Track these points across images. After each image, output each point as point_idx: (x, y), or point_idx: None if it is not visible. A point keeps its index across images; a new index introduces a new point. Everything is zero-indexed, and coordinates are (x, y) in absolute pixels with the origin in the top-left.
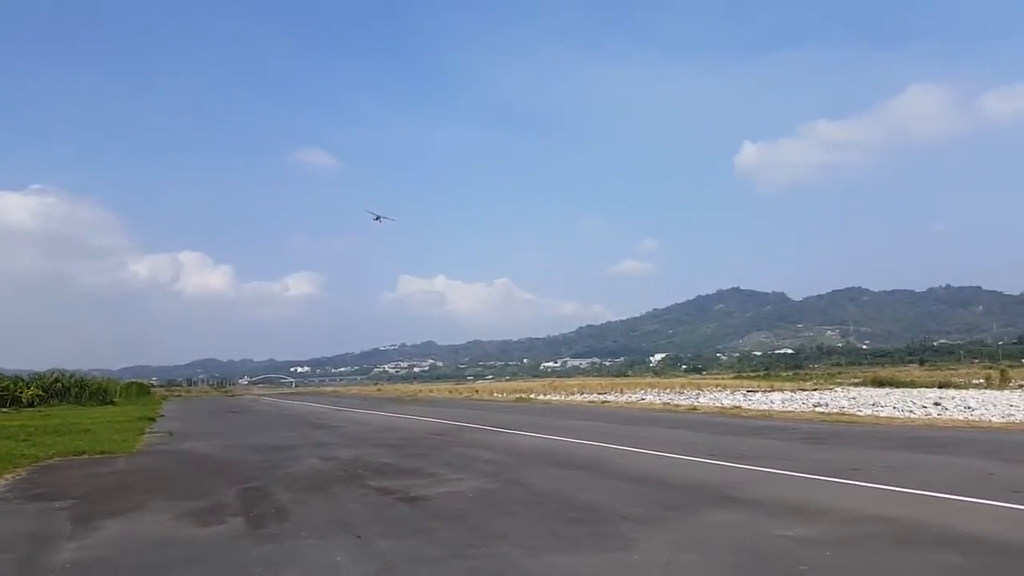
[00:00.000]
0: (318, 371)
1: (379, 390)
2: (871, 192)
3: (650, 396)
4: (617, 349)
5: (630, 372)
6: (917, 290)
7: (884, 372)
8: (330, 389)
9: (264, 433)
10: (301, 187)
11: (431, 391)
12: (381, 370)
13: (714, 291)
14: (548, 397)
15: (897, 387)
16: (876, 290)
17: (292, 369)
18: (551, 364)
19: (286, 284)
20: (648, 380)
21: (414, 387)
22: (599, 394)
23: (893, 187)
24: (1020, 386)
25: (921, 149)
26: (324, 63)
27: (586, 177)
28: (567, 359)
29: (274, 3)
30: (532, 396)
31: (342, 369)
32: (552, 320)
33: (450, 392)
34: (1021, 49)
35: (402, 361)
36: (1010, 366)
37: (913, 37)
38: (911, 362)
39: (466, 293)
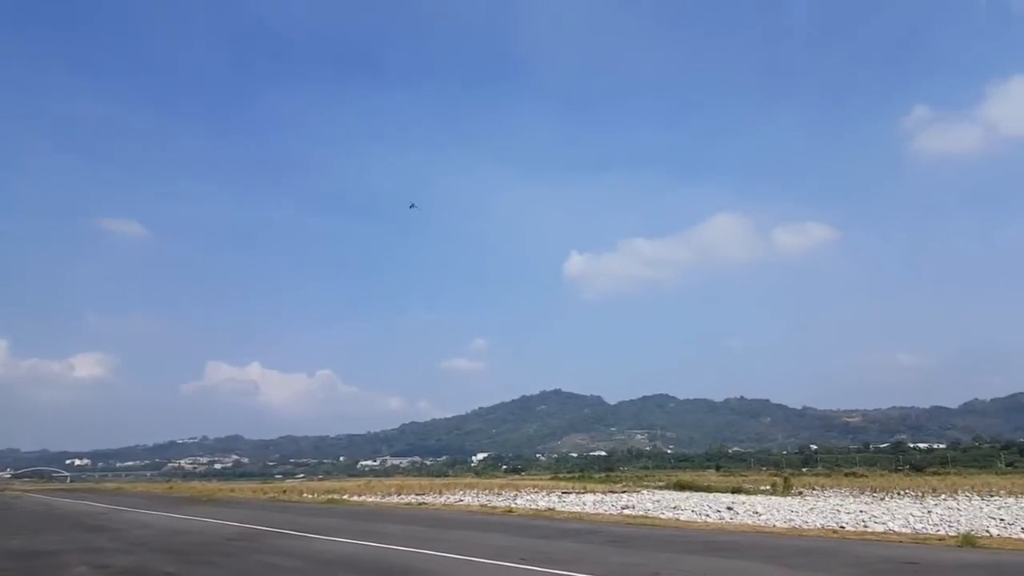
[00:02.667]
0: (100, 464)
1: (171, 488)
2: (680, 306)
3: (468, 497)
4: (440, 447)
5: (451, 472)
6: (715, 400)
7: (686, 476)
8: (112, 486)
9: (24, 536)
10: (102, 258)
11: (232, 490)
12: (176, 465)
13: (538, 392)
14: (363, 498)
15: (696, 491)
16: (681, 398)
17: (69, 462)
18: (370, 463)
19: (72, 364)
20: (468, 480)
21: (213, 485)
22: (417, 495)
23: (698, 303)
24: (800, 493)
25: (722, 271)
26: (152, 130)
27: (422, 272)
28: (387, 457)
29: (98, 59)
30: (346, 497)
31: (129, 463)
32: (376, 416)
33: (255, 492)
34: (804, 193)
35: (202, 456)
36: (792, 474)
37: (719, 170)
38: (709, 467)
39: (283, 384)
